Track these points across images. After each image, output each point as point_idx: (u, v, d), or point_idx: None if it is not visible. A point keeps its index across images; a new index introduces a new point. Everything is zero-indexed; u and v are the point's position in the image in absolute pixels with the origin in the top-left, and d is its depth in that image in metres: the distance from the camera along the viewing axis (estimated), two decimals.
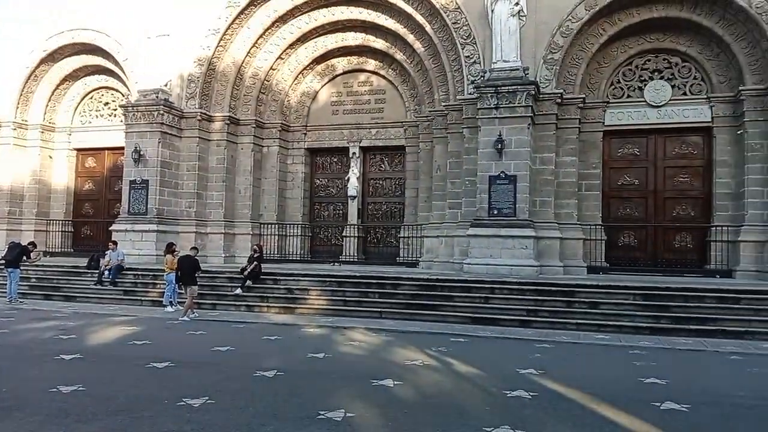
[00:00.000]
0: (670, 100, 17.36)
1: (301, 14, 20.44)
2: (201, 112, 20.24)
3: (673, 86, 17.44)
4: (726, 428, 5.44)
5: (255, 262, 15.53)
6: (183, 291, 13.84)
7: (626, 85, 17.89)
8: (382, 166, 21.91)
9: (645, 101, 17.57)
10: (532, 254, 16.13)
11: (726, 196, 16.86)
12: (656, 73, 17.64)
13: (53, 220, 23.14)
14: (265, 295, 14.99)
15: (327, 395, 6.26)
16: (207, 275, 15.74)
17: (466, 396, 6.44)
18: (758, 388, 7.13)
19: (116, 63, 21.35)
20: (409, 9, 18.81)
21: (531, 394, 6.46)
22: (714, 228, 16.73)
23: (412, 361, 8.38)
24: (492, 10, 16.89)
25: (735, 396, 6.64)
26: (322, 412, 5.54)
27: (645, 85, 17.65)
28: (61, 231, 22.95)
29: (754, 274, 15.57)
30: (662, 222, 17.69)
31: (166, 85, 19.94)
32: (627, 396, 6.47)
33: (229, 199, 20.96)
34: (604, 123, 17.85)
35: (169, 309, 14.12)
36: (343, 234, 21.19)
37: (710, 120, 17.09)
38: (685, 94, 17.40)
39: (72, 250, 22.76)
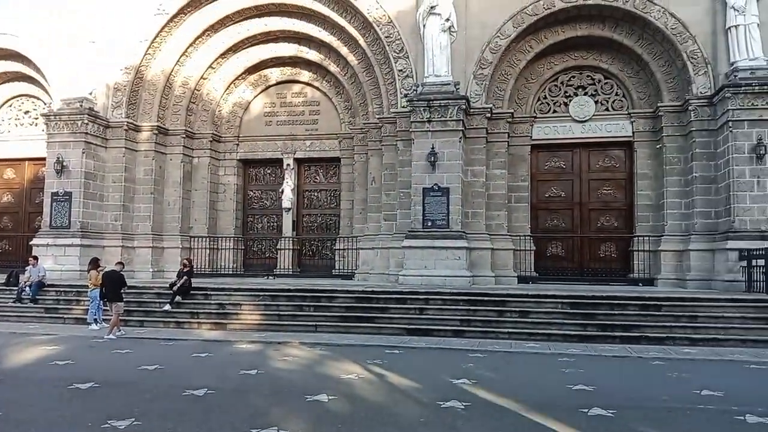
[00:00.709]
0: (593, 115, 18.13)
1: (233, 23, 20.20)
2: (128, 122, 19.61)
3: (596, 102, 18.22)
4: (648, 429, 5.66)
5: (185, 277, 15.08)
6: (108, 308, 13.26)
7: (552, 100, 18.56)
8: (317, 177, 21.82)
9: (570, 116, 18.28)
10: (465, 265, 16.41)
11: (647, 207, 17.71)
12: (580, 89, 18.39)
13: None
14: (195, 311, 14.56)
15: (260, 413, 6.13)
16: (134, 291, 15.20)
17: (401, 408, 6.45)
18: (679, 391, 7.46)
19: (37, 70, 20.45)
20: (342, 22, 18.91)
21: (464, 404, 6.53)
22: (636, 238, 17.53)
23: (348, 374, 8.32)
24: (424, 25, 17.19)
25: (658, 400, 6.93)
26: (254, 430, 5.42)
27: (570, 100, 18.37)
28: None
29: (674, 282, 16.41)
30: (588, 232, 18.39)
31: (90, 94, 19.24)
32: (557, 403, 6.64)
33: (158, 212, 20.33)
34: (531, 137, 18.44)
35: (93, 327, 13.50)
36: (278, 247, 20.94)
37: (631, 135, 17.95)
38: (607, 109, 18.20)
39: None
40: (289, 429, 5.52)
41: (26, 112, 22.41)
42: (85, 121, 18.72)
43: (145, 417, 5.89)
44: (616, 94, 18.21)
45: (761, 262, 13.78)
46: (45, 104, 21.07)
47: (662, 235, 16.99)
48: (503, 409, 6.36)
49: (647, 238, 17.30)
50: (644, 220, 17.72)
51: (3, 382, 7.68)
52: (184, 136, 20.72)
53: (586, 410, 6.27)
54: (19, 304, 15.62)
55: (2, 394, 7.07)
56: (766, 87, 15.13)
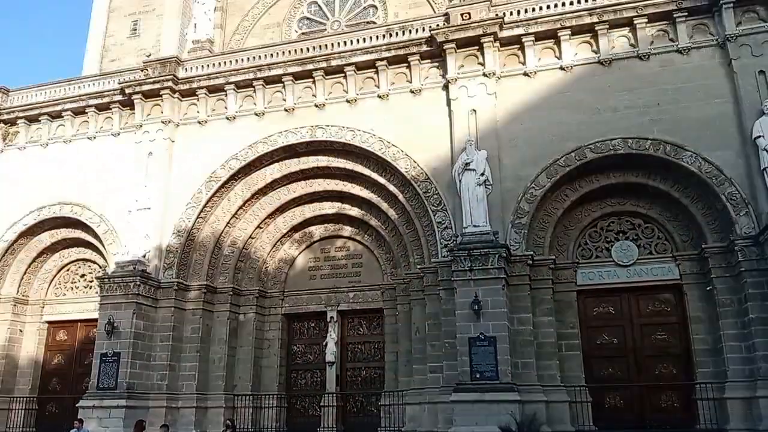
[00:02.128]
0: (637, 259, 17.95)
1: (280, 186, 21.50)
2: (178, 282, 20.30)
3: (638, 246, 18.11)
4: None
5: None
6: None
7: (593, 246, 18.55)
8: (360, 329, 21.74)
9: (613, 261, 18.13)
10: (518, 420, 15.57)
11: (705, 352, 16.85)
12: (621, 234, 18.39)
13: (17, 396, 22.02)
14: None
15: None
16: None
17: None
18: None
19: (96, 236, 21.76)
20: (382, 180, 19.89)
21: None
22: (698, 386, 16.48)
23: None
24: (460, 180, 17.88)
25: None
26: None
27: (611, 245, 18.32)
28: (25, 409, 21.79)
29: None
30: (646, 381, 17.44)
31: (144, 257, 20.16)
32: None
33: (203, 370, 20.30)
34: (576, 283, 18.23)
35: None
36: (321, 403, 20.40)
37: (679, 277, 17.56)
38: (651, 253, 18.03)
39: (34, 429, 21.48)
40: None
41: (82, 276, 23.53)
42: (137, 283, 19.44)
43: None
44: (658, 237, 18.11)
45: None
46: (100, 267, 22.13)
47: (726, 382, 15.92)
48: None
49: (710, 385, 16.24)
50: (704, 366, 16.74)
51: None
52: (231, 293, 21.21)
53: None
54: None
55: None
56: None
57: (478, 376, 16.25)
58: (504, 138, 18.37)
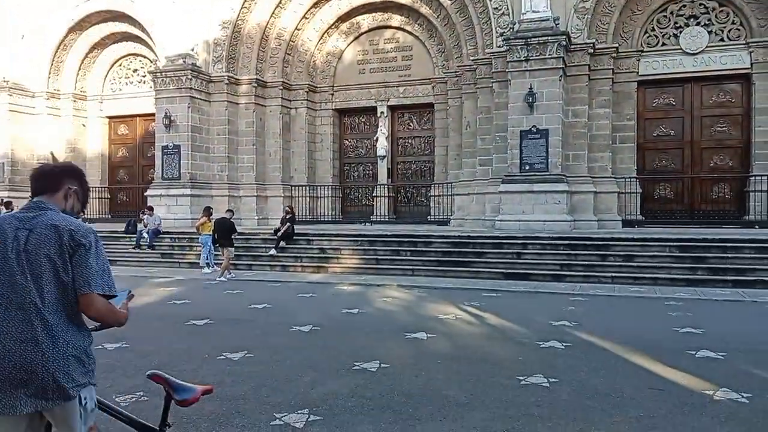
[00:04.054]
0: (706, 47, 16.73)
1: None
2: (228, 76, 20.28)
3: (709, 32, 16.77)
4: (761, 371, 5.39)
5: (288, 224, 15.72)
6: (219, 252, 14.13)
7: (661, 32, 17.27)
8: (411, 124, 21.75)
9: (681, 49, 16.96)
10: (565, 209, 15.95)
11: (766, 144, 16.33)
12: (692, 20, 16.95)
13: (90, 186, 23.57)
14: (298, 255, 15.21)
15: (362, 348, 6.38)
16: (242, 237, 16.00)
17: (498, 347, 6.50)
18: None
19: (142, 29, 21.42)
20: None
21: (564, 344, 6.48)
22: (753, 177, 16.26)
23: (445, 315, 8.45)
24: None
25: None
26: (357, 363, 5.66)
27: (680, 32, 17.00)
28: (98, 198, 23.44)
29: None
30: (699, 173, 17.26)
31: (192, 50, 19.98)
32: (661, 345, 6.45)
33: (260, 162, 21.12)
34: (638, 73, 17.32)
35: (206, 270, 14.44)
36: (374, 194, 21.23)
37: (749, 66, 16.44)
38: (722, 40, 16.72)
39: (109, 216, 23.34)
40: (390, 363, 5.72)
41: (134, 71, 23.68)
42: (189, 77, 19.54)
43: (257, 350, 6.29)
44: (732, 23, 16.65)
45: None
46: (151, 62, 22.17)
47: None
48: (605, 351, 6.26)
49: (765, 177, 16.00)
50: (762, 158, 16.34)
51: (128, 319, 8.40)
52: (281, 87, 21.21)
53: (694, 352, 6.06)
54: (138, 250, 16.93)
55: (128, 328, 7.72)
56: None
57: (527, 168, 16.37)
58: None
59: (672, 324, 7.66)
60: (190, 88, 19.64)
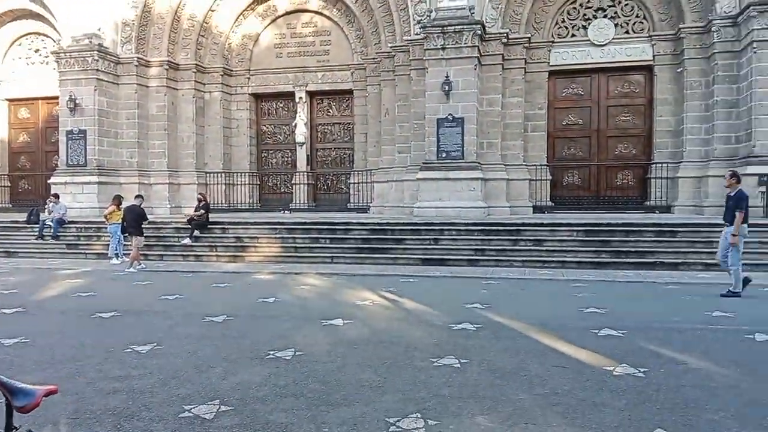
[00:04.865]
0: (613, 38, 17.55)
1: None
2: (138, 57, 19.41)
3: (616, 25, 17.60)
4: (656, 348, 5.74)
5: (202, 211, 15.27)
6: (129, 242, 13.55)
7: (571, 24, 17.95)
8: (330, 110, 21.60)
9: (589, 40, 17.72)
10: (480, 196, 16.36)
11: (666, 133, 17.36)
12: (600, 12, 17.73)
13: None
14: (213, 244, 14.82)
15: (277, 336, 6.29)
16: (153, 226, 15.43)
17: (414, 331, 6.58)
18: (690, 313, 7.52)
19: (44, 6, 20.12)
20: None
21: (475, 326, 6.65)
22: (654, 165, 17.26)
23: (363, 301, 8.48)
24: None
25: (669, 321, 6.98)
26: (271, 352, 5.58)
27: (589, 24, 17.76)
28: None
29: (692, 209, 16.26)
30: (605, 160, 18.14)
31: (99, 30, 18.97)
32: (567, 325, 6.74)
33: (173, 148, 20.39)
34: (549, 63, 17.96)
35: (114, 261, 13.83)
36: (293, 181, 21.00)
37: (652, 58, 17.39)
38: (627, 32, 17.59)
39: (10, 204, 21.92)
40: (305, 350, 5.67)
41: (36, 51, 22.25)
42: (96, 58, 18.55)
43: (166, 341, 6.08)
44: (637, 16, 17.54)
45: None
46: (54, 42, 20.87)
47: (681, 162, 16.72)
48: (514, 331, 6.47)
49: (666, 165, 17.03)
50: (663, 147, 17.40)
51: (28, 313, 7.94)
52: (194, 70, 20.52)
53: (597, 331, 6.37)
54: (41, 241, 15.98)
55: (27, 324, 7.31)
56: None
57: (444, 155, 16.66)
58: None
59: (577, 305, 8.02)
60: (97, 70, 18.66)
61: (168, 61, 19.95)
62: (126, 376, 4.85)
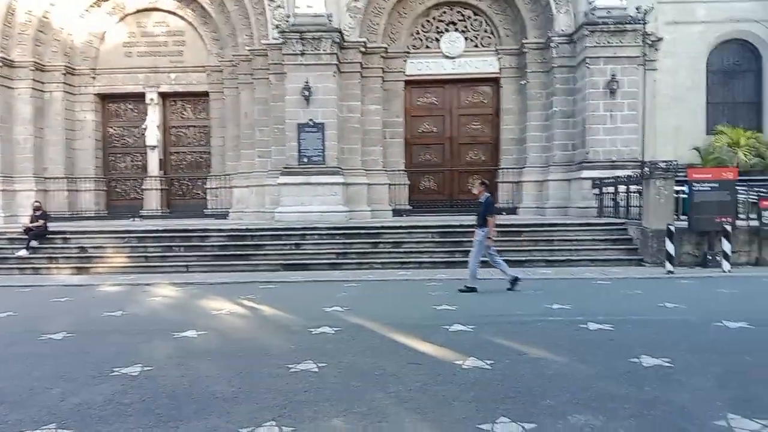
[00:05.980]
0: (463, 51, 18.53)
1: None
2: None
3: (466, 38, 18.60)
4: (502, 340, 6.12)
5: (40, 220, 14.01)
6: None
7: (425, 36, 18.71)
8: (185, 113, 20.75)
9: (442, 52, 18.57)
10: (341, 200, 16.53)
11: (512, 141, 18.61)
12: (451, 26, 18.65)
13: None
14: (53, 255, 13.63)
15: (123, 352, 5.92)
16: None
17: (271, 337, 6.49)
18: (533, 307, 8.09)
19: None
20: None
21: (335, 329, 6.70)
22: (501, 170, 18.43)
23: (218, 311, 8.22)
24: None
25: (514, 315, 7.48)
26: (116, 369, 5.24)
27: (441, 36, 18.61)
28: None
29: (535, 210, 17.56)
30: (458, 166, 19.08)
31: None
32: (421, 323, 6.98)
33: (7, 152, 18.56)
34: (405, 73, 18.59)
35: None
36: (144, 187, 19.91)
37: (498, 71, 18.58)
38: (477, 46, 18.65)
39: None
40: (153, 365, 5.39)
41: None
42: None
43: None
44: (485, 31, 18.67)
45: (611, 189, 15.04)
46: None
47: (524, 167, 18.01)
48: (372, 332, 6.59)
49: (511, 170, 18.26)
50: (509, 153, 18.64)
51: None
52: (32, 68, 18.81)
53: (448, 327, 6.67)
54: None
55: None
56: (620, 26, 16.13)
57: (305, 160, 16.64)
58: None
59: (431, 303, 8.35)
60: None
61: (2, 57, 18.11)
62: None
